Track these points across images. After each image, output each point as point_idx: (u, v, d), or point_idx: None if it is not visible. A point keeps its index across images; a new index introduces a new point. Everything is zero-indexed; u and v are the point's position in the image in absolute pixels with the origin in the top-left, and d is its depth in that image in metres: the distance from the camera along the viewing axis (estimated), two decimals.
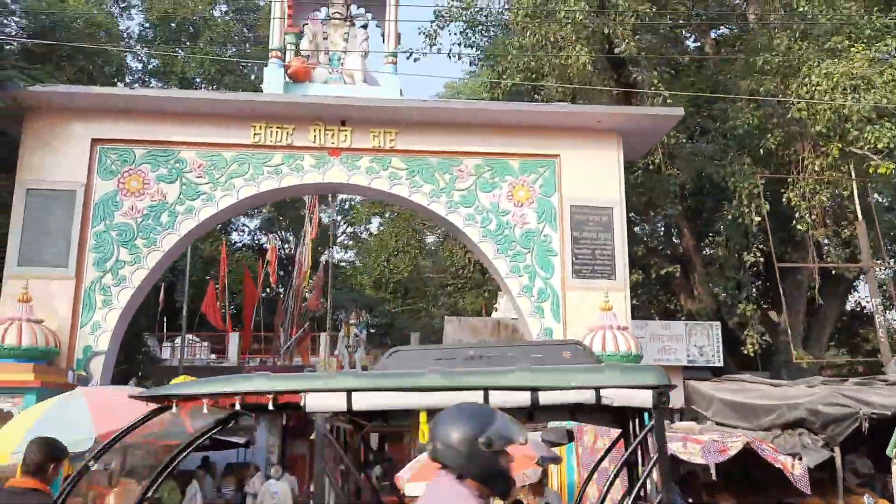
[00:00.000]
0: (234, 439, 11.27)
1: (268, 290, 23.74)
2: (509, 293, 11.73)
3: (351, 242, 29.53)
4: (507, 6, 13.50)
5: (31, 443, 4.26)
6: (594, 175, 11.93)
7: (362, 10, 12.78)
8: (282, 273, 23.90)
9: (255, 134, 11.59)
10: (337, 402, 2.99)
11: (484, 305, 22.14)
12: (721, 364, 14.38)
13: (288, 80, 11.79)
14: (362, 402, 3.02)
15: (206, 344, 22.52)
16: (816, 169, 12.92)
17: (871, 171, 11.70)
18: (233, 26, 24.60)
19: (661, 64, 13.44)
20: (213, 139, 11.55)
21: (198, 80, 22.48)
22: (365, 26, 12.81)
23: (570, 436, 8.68)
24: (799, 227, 13.48)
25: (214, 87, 22.14)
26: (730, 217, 14.25)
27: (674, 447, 7.54)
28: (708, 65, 14.20)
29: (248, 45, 24.92)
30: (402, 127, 11.76)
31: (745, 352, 14.69)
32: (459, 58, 16.43)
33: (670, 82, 13.05)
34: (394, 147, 11.76)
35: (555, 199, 11.92)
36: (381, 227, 24.82)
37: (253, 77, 23.49)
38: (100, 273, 11.03)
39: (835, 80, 11.63)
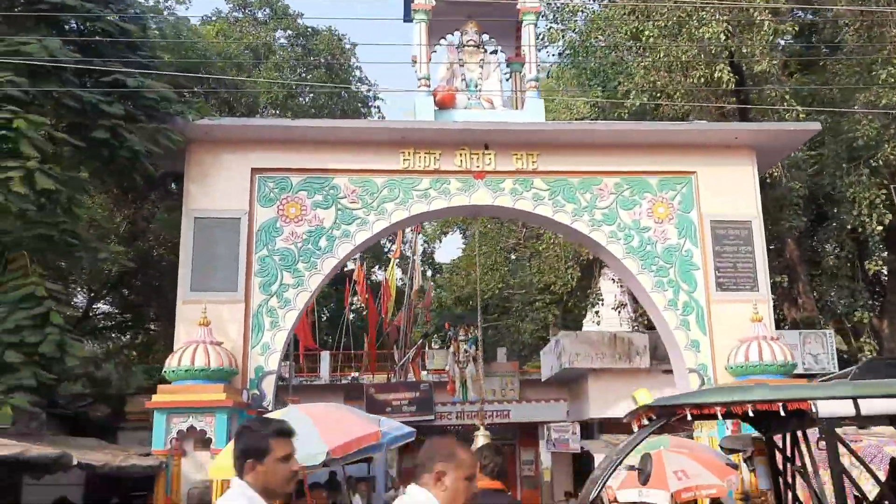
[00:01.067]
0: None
1: (353, 310, 24.24)
2: (654, 308, 12.02)
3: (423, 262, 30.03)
4: (627, 23, 13.86)
5: (486, 448, 4.66)
6: (731, 190, 12.25)
7: (493, 40, 13.26)
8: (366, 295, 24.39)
9: (404, 159, 12.05)
10: (845, 409, 3.33)
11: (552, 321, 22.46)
12: (836, 371, 14.58)
13: (435, 107, 12.23)
14: (868, 407, 3.36)
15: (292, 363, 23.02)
16: None
17: None
18: (296, 52, 25.16)
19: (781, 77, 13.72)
20: (365, 165, 12.02)
21: (265, 105, 23.00)
22: (495, 52, 13.30)
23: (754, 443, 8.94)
24: None
25: (278, 112, 22.56)
26: (848, 227, 14.48)
27: None
28: (824, 78, 14.48)
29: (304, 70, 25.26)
30: (544, 149, 12.16)
31: (857, 359, 14.88)
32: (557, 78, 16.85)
33: (792, 96, 13.34)
34: (536, 168, 12.16)
35: (693, 214, 12.24)
36: (465, 244, 25.25)
37: (310, 98, 23.80)
38: (266, 296, 11.51)
39: None
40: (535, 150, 12.15)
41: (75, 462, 8.20)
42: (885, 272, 14.65)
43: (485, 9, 12.95)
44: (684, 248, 12.12)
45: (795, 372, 14.57)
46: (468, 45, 12.95)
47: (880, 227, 13.92)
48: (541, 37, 16.24)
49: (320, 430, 8.25)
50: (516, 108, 12.86)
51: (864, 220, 14.14)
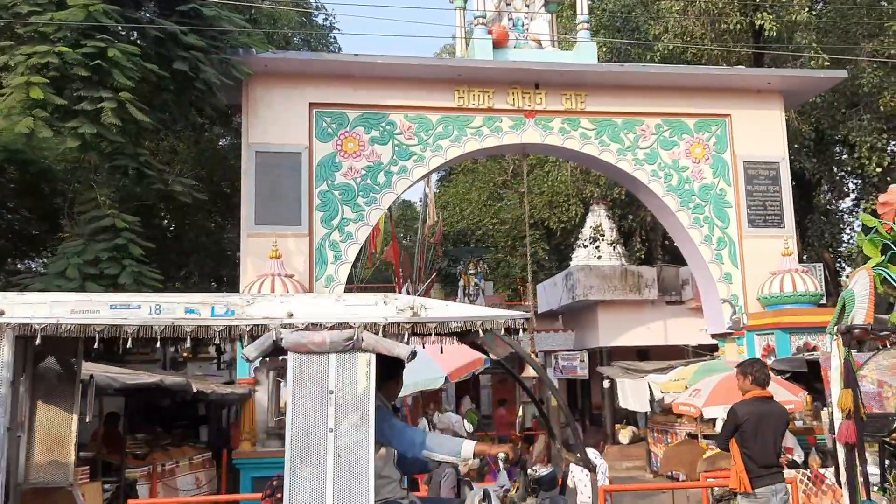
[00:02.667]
0: None
1: None
2: (692, 243, 12.78)
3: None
4: None
5: (757, 362, 5.25)
6: (761, 132, 13.02)
7: None
8: None
9: (458, 97, 12.30)
10: None
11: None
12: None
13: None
14: None
15: None
16: None
17: None
18: None
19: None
20: (420, 102, 12.23)
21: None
22: None
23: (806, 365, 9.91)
24: None
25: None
26: (849, 168, 15.54)
27: None
28: (830, 26, 15.22)
29: None
30: (591, 90, 12.60)
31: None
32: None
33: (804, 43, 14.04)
34: (583, 109, 12.61)
35: (727, 155, 12.98)
36: (452, 181, 25.55)
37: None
38: (328, 230, 11.74)
39: None
40: (584, 90, 12.57)
41: (195, 389, 8.46)
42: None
43: None
44: (718, 187, 12.89)
45: None
46: None
47: (879, 169, 14.99)
48: None
49: (435, 358, 8.75)
50: (555, 48, 13.15)
51: (863, 163, 15.19)
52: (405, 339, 3.53)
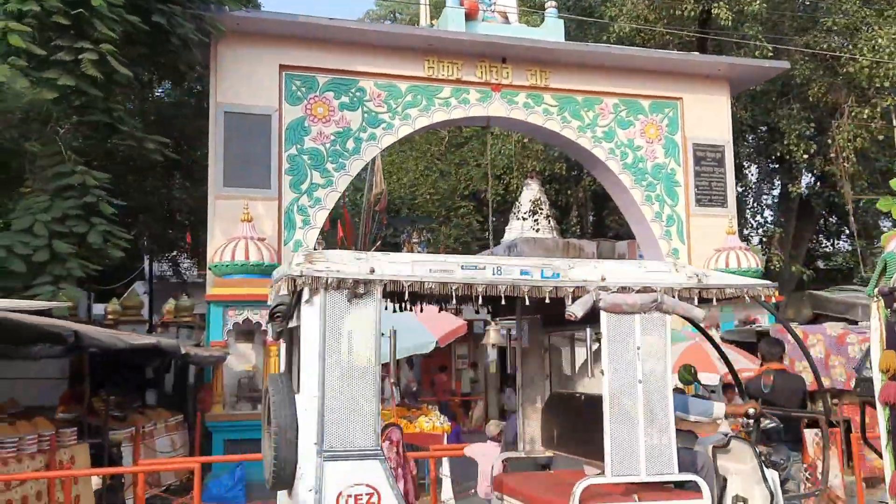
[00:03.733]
0: None
1: None
2: (644, 220, 13.39)
3: None
4: None
5: (771, 340, 5.66)
6: (709, 116, 13.74)
7: None
8: None
9: (428, 67, 12.41)
10: None
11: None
12: None
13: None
14: None
15: None
16: (864, 117, 15.32)
17: None
18: None
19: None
20: (390, 70, 12.26)
21: None
22: None
23: (756, 336, 10.68)
24: (835, 167, 15.99)
25: None
26: (778, 153, 16.57)
27: None
28: (773, 18, 16.08)
29: None
30: (555, 67, 12.95)
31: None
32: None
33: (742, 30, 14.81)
34: (547, 85, 12.95)
35: (678, 137, 13.64)
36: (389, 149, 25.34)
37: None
38: (296, 194, 11.69)
39: None
40: (548, 67, 12.91)
41: (183, 351, 8.38)
42: (804, 196, 16.97)
43: None
44: (669, 167, 13.55)
45: None
46: None
47: (806, 156, 16.06)
48: None
49: (425, 324, 8.97)
50: (521, 24, 13.42)
51: (791, 149, 16.22)
52: (694, 302, 4.00)
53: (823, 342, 10.08)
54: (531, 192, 21.65)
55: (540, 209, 20.10)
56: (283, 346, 4.38)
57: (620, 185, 13.39)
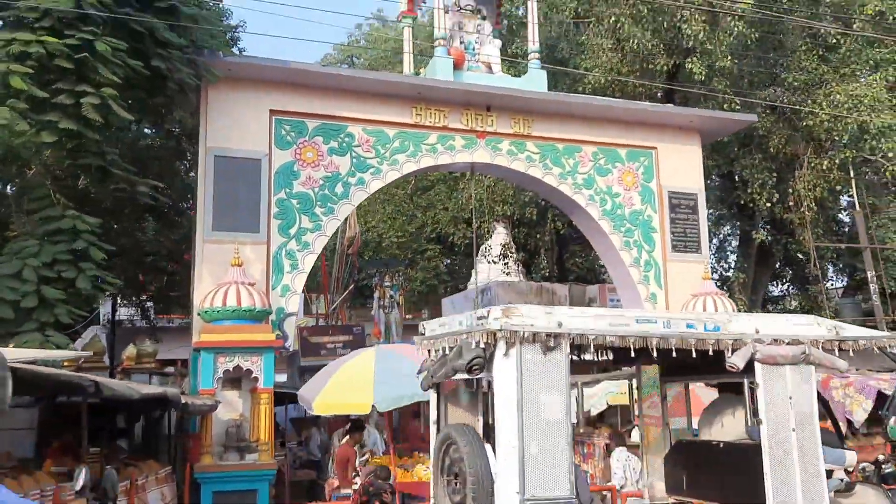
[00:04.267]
0: None
1: None
2: (622, 265, 13.70)
3: None
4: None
5: None
6: (682, 165, 14.23)
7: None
8: None
9: (416, 114, 12.58)
10: None
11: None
12: None
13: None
14: None
15: None
16: (822, 168, 16.06)
17: (888, 174, 15.04)
18: None
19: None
20: (379, 116, 12.39)
21: None
22: (484, 18, 14.04)
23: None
24: (793, 215, 16.68)
25: None
26: (741, 202, 17.21)
27: None
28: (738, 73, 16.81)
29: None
30: (538, 115, 13.28)
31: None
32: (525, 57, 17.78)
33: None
34: (530, 133, 13.25)
35: (653, 184, 14.07)
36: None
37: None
38: (285, 239, 11.63)
39: (860, 99, 14.75)
40: (531, 115, 13.23)
41: (183, 401, 8.21)
42: (768, 243, 17.59)
43: None
44: (646, 214, 13.94)
45: None
46: (465, 9, 13.60)
47: (769, 204, 16.72)
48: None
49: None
50: (504, 73, 13.73)
51: (755, 198, 16.87)
52: (835, 354, 4.24)
53: None
54: (499, 235, 21.94)
55: (510, 253, 20.36)
56: (433, 397, 4.52)
57: (600, 230, 13.70)
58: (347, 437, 9.89)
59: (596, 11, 15.42)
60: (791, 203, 16.93)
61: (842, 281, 22.46)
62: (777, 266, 20.24)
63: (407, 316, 22.97)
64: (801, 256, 17.82)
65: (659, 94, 16.55)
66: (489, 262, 20.63)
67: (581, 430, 15.36)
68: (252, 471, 10.02)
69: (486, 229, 19.86)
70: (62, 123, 8.59)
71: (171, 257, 14.10)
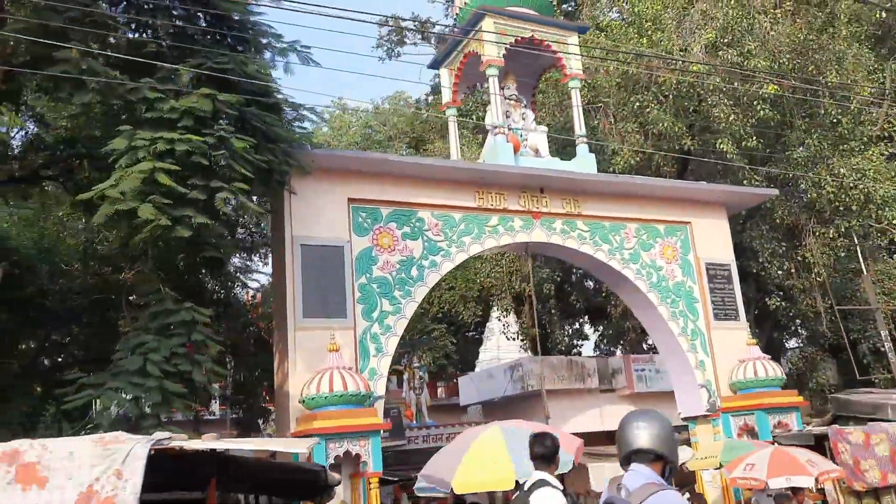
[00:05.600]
0: None
1: None
2: (671, 335, 14.32)
3: None
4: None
5: None
6: (714, 238, 15.13)
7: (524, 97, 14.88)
8: None
9: (478, 198, 13.16)
10: None
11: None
12: None
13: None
14: None
15: None
16: (829, 237, 17.25)
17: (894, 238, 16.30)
18: None
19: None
20: (445, 201, 12.91)
21: None
22: (526, 106, 14.88)
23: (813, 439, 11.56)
24: (795, 281, 17.76)
25: None
26: (755, 270, 18.22)
27: None
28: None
29: None
30: (586, 195, 14.03)
31: None
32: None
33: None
34: (580, 212, 13.96)
35: (691, 257, 14.89)
36: None
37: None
38: (368, 322, 11.85)
39: (863, 172, 16.08)
40: (580, 196, 13.97)
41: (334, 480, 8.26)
42: (782, 308, 18.58)
43: (521, 67, 14.62)
44: (687, 285, 14.69)
45: None
46: (510, 99, 14.43)
47: (780, 272, 17.78)
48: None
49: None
50: (553, 157, 14.51)
51: (765, 266, 17.91)
52: None
53: (887, 440, 11.09)
54: (502, 312, 22.42)
55: (528, 330, 20.83)
56: None
57: (648, 302, 14.34)
58: None
59: (617, 98, 16.49)
60: (792, 269, 18.04)
61: None
62: (791, 329, 21.27)
63: None
64: (810, 316, 18.69)
65: (676, 171, 17.63)
66: (508, 339, 21.02)
67: None
68: None
69: (503, 307, 20.32)
70: (197, 218, 8.79)
71: (235, 350, 13.96)
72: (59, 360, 12.33)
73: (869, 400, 13.08)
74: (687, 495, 13.20)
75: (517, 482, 8.85)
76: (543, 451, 5.31)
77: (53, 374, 11.97)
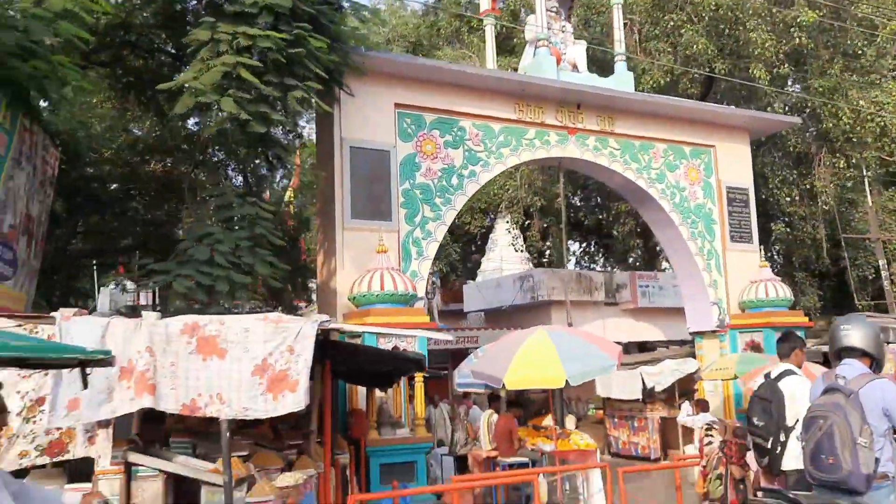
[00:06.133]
0: None
1: None
2: (689, 254, 14.90)
3: None
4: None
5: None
6: (735, 162, 15.54)
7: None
8: None
9: (518, 110, 13.35)
10: None
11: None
12: None
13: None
14: None
15: None
16: (840, 166, 17.78)
17: None
18: None
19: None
20: (486, 112, 13.09)
21: None
22: (564, 18, 14.89)
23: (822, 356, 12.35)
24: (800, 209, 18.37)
25: None
26: (763, 196, 18.77)
27: None
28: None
29: None
30: (620, 113, 14.28)
31: None
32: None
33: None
34: (613, 130, 14.24)
35: (713, 180, 15.33)
36: None
37: None
38: (410, 227, 12.21)
39: (882, 105, 16.48)
40: (615, 113, 14.21)
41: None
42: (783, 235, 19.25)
43: None
44: (707, 207, 15.18)
45: None
46: (550, 11, 14.41)
47: (788, 199, 18.35)
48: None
49: (598, 346, 9.81)
50: (591, 74, 14.64)
51: (774, 192, 18.47)
52: None
53: (893, 361, 11.88)
54: (504, 225, 22.88)
55: (536, 243, 21.35)
56: None
57: (670, 222, 14.83)
58: (505, 410, 10.67)
59: (650, 17, 16.52)
60: (799, 196, 18.63)
61: None
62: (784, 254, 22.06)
63: None
64: (808, 243, 19.37)
65: (701, 96, 17.86)
66: (517, 251, 21.54)
67: (623, 406, 16.60)
68: (413, 444, 10.67)
69: (514, 220, 20.74)
70: (272, 115, 8.95)
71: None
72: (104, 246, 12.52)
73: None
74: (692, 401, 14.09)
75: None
76: (783, 349, 6.10)
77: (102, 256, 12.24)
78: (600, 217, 21.77)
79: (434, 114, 12.68)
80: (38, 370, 4.60)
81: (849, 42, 17.29)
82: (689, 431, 13.98)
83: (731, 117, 15.49)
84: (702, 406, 13.06)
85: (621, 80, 14.21)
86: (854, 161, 17.64)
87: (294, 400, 4.82)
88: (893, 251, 18.40)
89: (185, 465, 5.75)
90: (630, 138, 14.47)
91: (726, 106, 16.10)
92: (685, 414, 14.02)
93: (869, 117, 16.66)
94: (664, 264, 22.85)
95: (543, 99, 13.52)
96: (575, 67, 14.29)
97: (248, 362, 4.78)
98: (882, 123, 16.54)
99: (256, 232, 9.75)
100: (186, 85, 8.40)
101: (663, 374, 15.31)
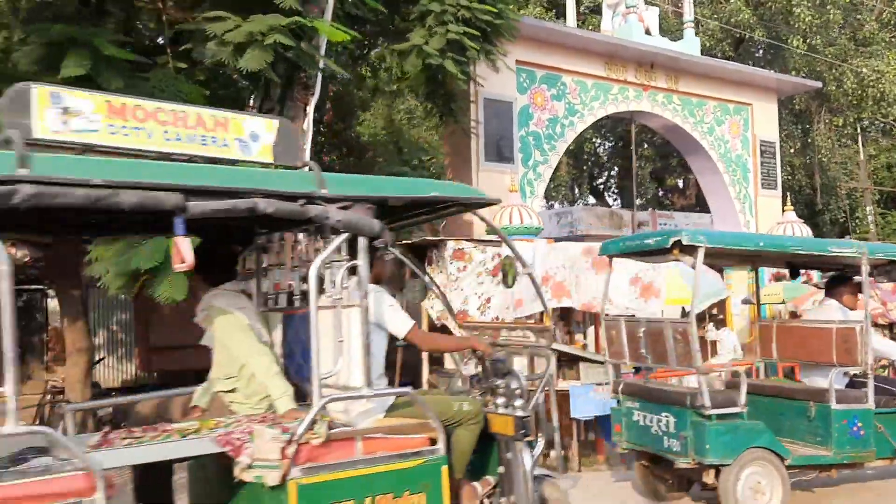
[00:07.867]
0: None
1: None
2: (729, 199, 17.35)
3: None
4: None
5: None
6: (766, 119, 17.98)
7: None
8: None
9: (607, 69, 15.25)
10: None
11: None
12: None
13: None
14: None
15: None
16: (838, 125, 20.54)
17: None
18: None
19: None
20: (582, 69, 14.94)
21: None
22: None
23: None
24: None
25: None
26: None
27: None
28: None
29: None
30: (683, 74, 16.37)
31: None
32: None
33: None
34: (676, 88, 16.35)
35: (749, 134, 17.73)
36: None
37: None
38: (525, 169, 14.09)
39: (882, 73, 19.17)
40: (679, 73, 16.30)
41: None
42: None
43: None
44: (744, 158, 17.62)
45: None
46: None
47: (791, 150, 21.03)
48: None
49: (708, 273, 12.08)
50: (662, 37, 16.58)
51: (780, 144, 21.08)
52: None
53: None
54: None
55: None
56: None
57: (717, 169, 17.21)
58: None
59: None
60: (799, 146, 21.37)
61: None
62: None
63: None
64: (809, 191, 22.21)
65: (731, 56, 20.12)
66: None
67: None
68: None
69: None
70: (476, 76, 10.58)
71: None
72: None
73: None
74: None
75: None
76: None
77: None
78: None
79: (543, 70, 14.44)
80: None
81: (858, 16, 19.82)
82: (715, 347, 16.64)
83: (766, 79, 17.83)
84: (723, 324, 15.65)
85: (689, 45, 16.26)
86: (852, 120, 20.40)
87: None
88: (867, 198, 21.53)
89: None
90: (689, 96, 16.63)
91: (764, 70, 18.41)
92: (713, 332, 16.66)
93: (870, 84, 19.33)
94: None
95: (627, 60, 15.45)
96: (648, 31, 16.22)
97: (624, 274, 6.87)
98: (882, 89, 19.25)
99: None
100: (422, 48, 9.91)
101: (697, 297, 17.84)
